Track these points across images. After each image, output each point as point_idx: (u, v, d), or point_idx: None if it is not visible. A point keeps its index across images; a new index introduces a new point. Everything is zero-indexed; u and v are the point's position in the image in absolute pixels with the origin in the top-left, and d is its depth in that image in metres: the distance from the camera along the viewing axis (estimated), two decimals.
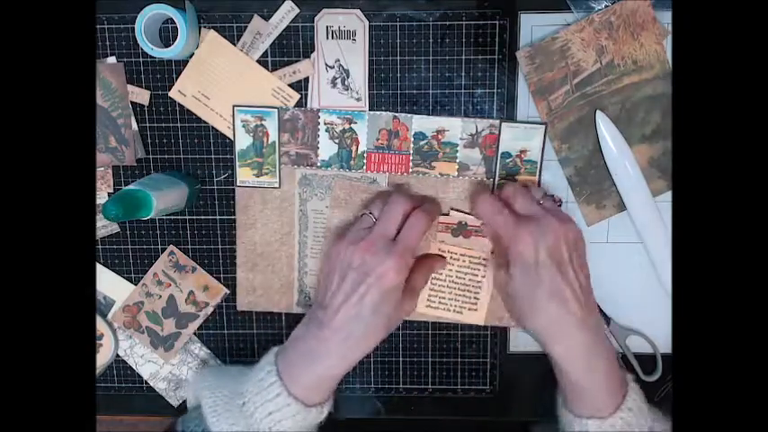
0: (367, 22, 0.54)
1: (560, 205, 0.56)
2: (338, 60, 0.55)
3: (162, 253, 0.59)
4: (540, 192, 0.53)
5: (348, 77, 0.55)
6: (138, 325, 0.60)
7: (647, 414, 0.49)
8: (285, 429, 0.47)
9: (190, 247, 0.59)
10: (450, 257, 0.57)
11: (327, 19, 0.54)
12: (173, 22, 0.52)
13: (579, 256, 0.49)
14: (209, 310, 0.59)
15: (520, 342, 0.60)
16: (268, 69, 0.55)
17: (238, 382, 0.50)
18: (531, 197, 0.51)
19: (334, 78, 0.55)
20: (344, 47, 0.55)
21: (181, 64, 0.56)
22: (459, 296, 0.58)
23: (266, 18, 0.54)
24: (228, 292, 0.59)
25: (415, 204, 0.51)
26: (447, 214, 0.57)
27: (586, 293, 0.49)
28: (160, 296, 0.59)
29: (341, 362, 0.48)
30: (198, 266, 0.59)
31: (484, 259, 0.57)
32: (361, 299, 0.47)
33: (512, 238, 0.48)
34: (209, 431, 0.47)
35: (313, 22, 0.54)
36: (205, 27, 0.55)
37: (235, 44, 0.55)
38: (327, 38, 0.55)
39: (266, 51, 0.55)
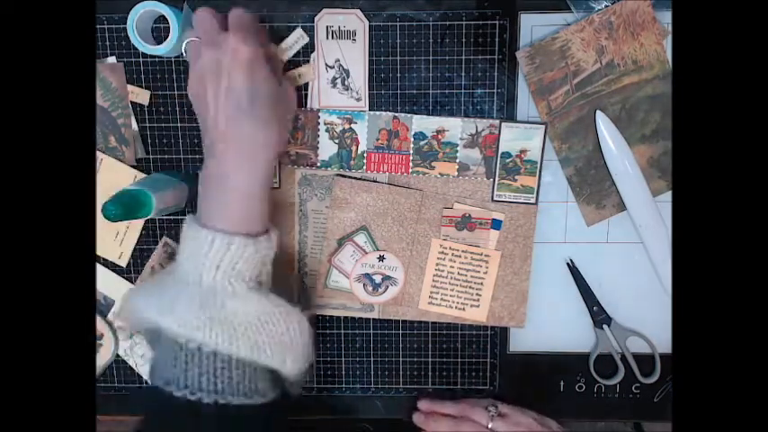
0: (367, 23, 0.54)
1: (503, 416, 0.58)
2: (338, 60, 0.55)
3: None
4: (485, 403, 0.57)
5: (348, 77, 0.55)
6: None
7: None
8: (245, 272, 0.44)
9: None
10: (453, 254, 0.57)
11: (327, 19, 0.54)
12: (167, 21, 0.52)
13: None
14: None
15: (520, 342, 0.60)
16: None
17: (167, 273, 0.46)
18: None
19: (335, 78, 0.55)
20: (344, 47, 0.55)
21: (181, 64, 0.56)
22: (461, 293, 0.58)
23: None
24: None
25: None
26: (451, 208, 0.57)
27: None
28: None
29: (252, 173, 0.46)
30: None
31: (486, 255, 0.57)
32: (229, 89, 0.45)
33: None
34: (157, 328, 0.43)
35: (313, 21, 0.54)
36: None
37: None
38: (327, 38, 0.55)
39: None
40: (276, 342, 0.44)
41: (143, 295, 0.46)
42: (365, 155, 0.56)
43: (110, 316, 0.60)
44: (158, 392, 0.43)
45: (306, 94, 0.56)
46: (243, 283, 0.44)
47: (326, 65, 0.55)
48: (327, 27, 0.54)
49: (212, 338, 0.42)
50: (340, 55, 0.55)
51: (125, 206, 0.47)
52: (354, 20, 0.54)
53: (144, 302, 0.45)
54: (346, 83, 0.55)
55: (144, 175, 0.57)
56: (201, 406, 0.42)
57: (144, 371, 0.61)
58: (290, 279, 0.59)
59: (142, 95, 0.56)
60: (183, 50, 0.51)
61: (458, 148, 0.56)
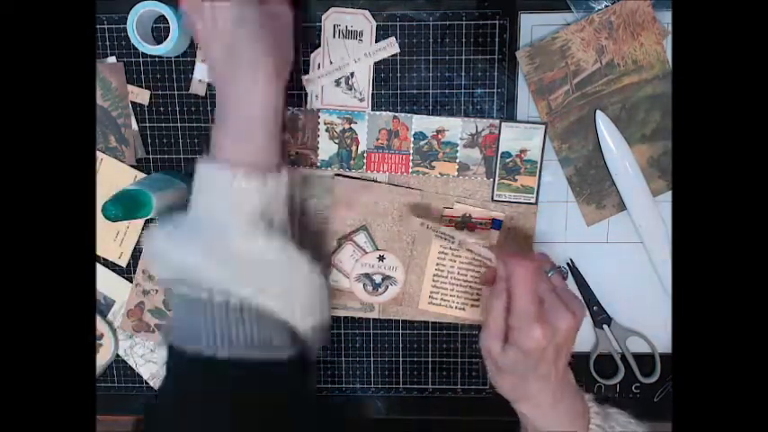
0: (374, 23, 0.54)
1: (566, 277, 0.57)
2: (343, 59, 0.55)
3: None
4: (549, 263, 0.52)
5: (352, 77, 0.55)
6: (147, 326, 0.60)
7: (615, 425, 0.49)
8: (252, 205, 0.44)
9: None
10: (453, 254, 0.57)
11: (335, 18, 0.54)
12: (167, 21, 0.52)
13: (574, 339, 0.48)
14: None
15: None
16: None
17: (183, 214, 0.46)
18: (544, 274, 0.50)
19: (339, 78, 0.55)
20: (350, 46, 0.55)
21: (181, 64, 0.56)
22: (461, 293, 0.58)
23: None
24: None
25: None
26: (451, 207, 0.57)
27: (566, 361, 0.48)
28: (156, 290, 0.59)
29: (250, 94, 0.45)
30: None
31: (486, 255, 0.57)
32: (217, 16, 0.45)
33: (523, 327, 0.45)
34: (182, 276, 0.43)
35: (320, 21, 0.54)
36: None
37: None
38: (334, 36, 0.55)
39: None
40: (280, 287, 0.44)
41: (162, 236, 0.45)
42: (365, 155, 0.56)
43: (110, 316, 0.60)
44: (176, 353, 0.43)
45: (305, 94, 0.56)
46: (250, 221, 0.43)
47: (332, 63, 0.55)
48: (335, 26, 0.54)
49: (217, 278, 0.42)
50: (346, 54, 0.55)
51: (125, 206, 0.47)
52: (362, 20, 0.54)
53: (163, 243, 0.45)
54: (350, 82, 0.55)
55: (144, 175, 0.57)
56: (217, 363, 0.42)
57: (144, 371, 0.61)
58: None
59: (142, 95, 0.56)
60: None
61: (458, 148, 0.56)
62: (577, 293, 0.58)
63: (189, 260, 0.43)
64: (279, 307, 0.44)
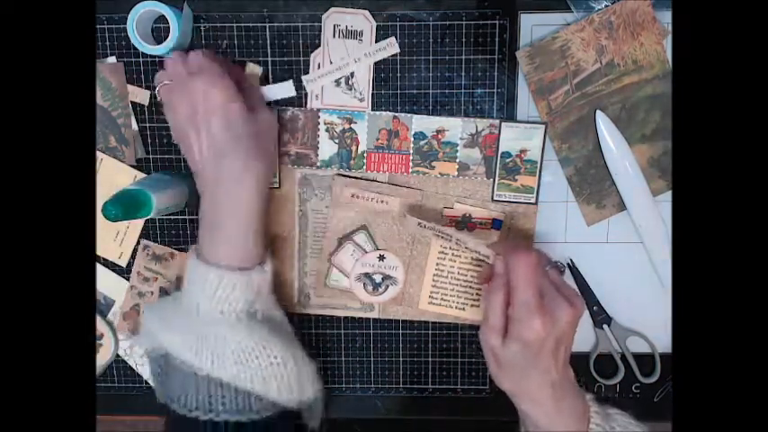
0: (374, 23, 0.54)
1: (563, 272, 0.57)
2: (343, 59, 0.55)
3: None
4: (546, 259, 0.52)
5: (352, 77, 0.55)
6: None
7: (616, 425, 0.49)
8: (236, 303, 0.47)
9: (190, 247, 0.59)
10: (453, 254, 0.57)
11: (335, 18, 0.54)
12: (167, 21, 0.52)
13: (573, 333, 0.49)
14: None
15: None
16: (268, 67, 0.55)
17: (174, 298, 0.50)
18: (543, 270, 0.50)
19: (339, 77, 0.55)
20: (350, 46, 0.55)
21: None
22: (461, 293, 0.58)
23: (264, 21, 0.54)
24: None
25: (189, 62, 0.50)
26: (451, 207, 0.57)
27: (566, 357, 0.49)
28: (152, 292, 0.59)
29: (242, 211, 0.48)
30: (175, 252, 0.59)
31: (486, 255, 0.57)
32: (209, 135, 0.47)
33: (523, 317, 0.46)
34: (163, 349, 0.47)
35: (319, 21, 0.54)
36: (204, 27, 0.55)
37: (236, 43, 0.55)
38: (334, 36, 0.55)
39: (266, 51, 0.55)
40: (258, 373, 0.46)
41: (155, 315, 0.49)
42: (365, 155, 0.56)
43: (110, 316, 0.60)
44: (169, 411, 0.47)
45: (306, 94, 0.56)
46: (233, 313, 0.47)
47: (331, 63, 0.55)
48: (335, 26, 0.54)
49: (202, 362, 0.45)
50: (346, 54, 0.55)
51: (125, 206, 0.47)
52: (362, 20, 0.54)
53: (151, 321, 0.49)
54: (350, 82, 0.55)
55: (144, 175, 0.57)
56: (199, 424, 0.45)
57: (144, 371, 0.61)
58: (291, 279, 0.59)
59: (142, 95, 0.56)
60: (157, 92, 0.52)
61: (458, 148, 0.56)
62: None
63: (174, 344, 0.46)
64: (256, 389, 0.46)
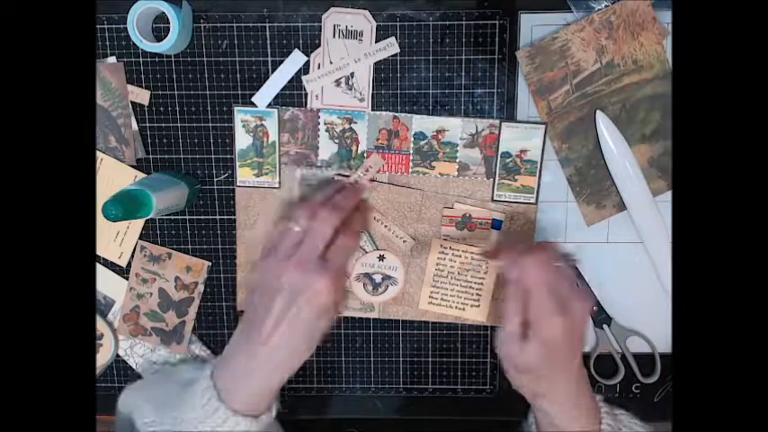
0: (374, 23, 0.54)
1: (577, 262, 0.57)
2: (344, 59, 0.55)
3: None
4: (557, 253, 0.52)
5: (352, 77, 0.55)
6: (144, 330, 0.60)
7: (623, 426, 0.49)
8: None
9: (190, 246, 0.59)
10: (453, 254, 0.57)
11: (335, 18, 0.54)
12: (168, 19, 0.52)
13: (586, 328, 0.49)
14: (201, 287, 0.59)
15: None
16: (268, 67, 0.55)
17: (177, 409, 0.48)
18: (555, 267, 0.49)
19: (339, 77, 0.55)
20: (350, 46, 0.55)
21: (181, 64, 0.56)
22: (461, 293, 0.58)
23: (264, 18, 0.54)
24: (210, 263, 0.59)
25: (342, 216, 0.47)
26: (451, 207, 0.57)
27: (581, 352, 0.49)
28: (151, 293, 0.59)
29: (278, 373, 0.47)
30: (172, 251, 0.59)
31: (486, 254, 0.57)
32: (293, 319, 0.45)
33: (543, 318, 0.46)
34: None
35: (319, 21, 0.54)
36: (204, 27, 0.55)
37: (236, 43, 0.55)
38: (334, 36, 0.55)
39: (266, 51, 0.55)
40: None
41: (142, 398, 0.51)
42: (365, 155, 0.56)
43: (110, 316, 0.60)
44: None
45: (306, 94, 0.56)
46: None
47: (331, 63, 0.55)
48: (335, 26, 0.54)
49: None
50: (346, 54, 0.55)
51: (125, 206, 0.47)
52: (362, 20, 0.54)
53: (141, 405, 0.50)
54: (350, 82, 0.55)
55: (144, 175, 0.57)
56: None
57: (144, 371, 0.61)
58: None
59: (142, 95, 0.56)
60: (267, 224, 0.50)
61: (458, 148, 0.56)
62: None
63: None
64: None
